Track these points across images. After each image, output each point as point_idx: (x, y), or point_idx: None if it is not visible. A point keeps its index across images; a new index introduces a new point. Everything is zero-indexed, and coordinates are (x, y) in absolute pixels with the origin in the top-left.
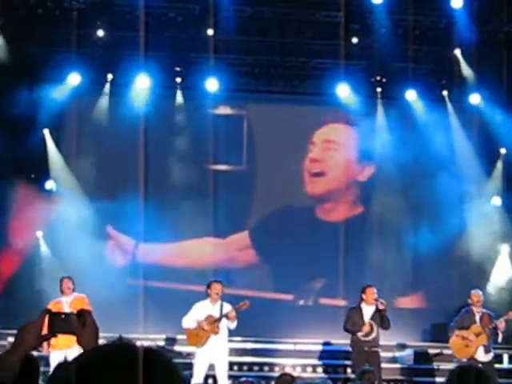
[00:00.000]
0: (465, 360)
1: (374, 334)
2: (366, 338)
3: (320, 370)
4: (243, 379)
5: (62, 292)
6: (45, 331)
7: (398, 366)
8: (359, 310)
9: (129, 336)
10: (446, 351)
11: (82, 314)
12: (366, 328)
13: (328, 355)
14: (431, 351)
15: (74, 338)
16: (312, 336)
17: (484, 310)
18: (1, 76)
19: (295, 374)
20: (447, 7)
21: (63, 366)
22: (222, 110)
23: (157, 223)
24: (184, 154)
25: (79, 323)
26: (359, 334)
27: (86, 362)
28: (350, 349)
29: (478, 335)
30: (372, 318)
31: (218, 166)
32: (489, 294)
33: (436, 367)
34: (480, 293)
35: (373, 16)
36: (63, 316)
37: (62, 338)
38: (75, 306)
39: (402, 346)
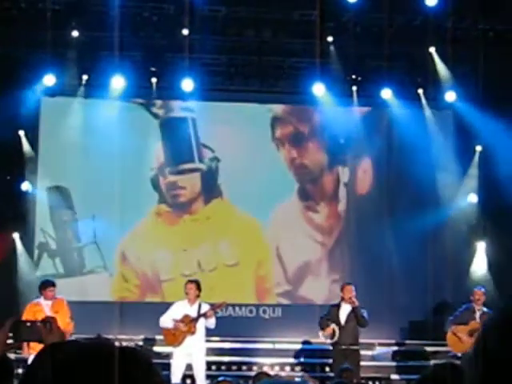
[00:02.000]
0: (459, 355)
1: (335, 338)
2: (328, 340)
3: (298, 368)
4: (221, 379)
5: (44, 296)
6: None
7: (375, 363)
8: (337, 307)
9: (113, 336)
10: (428, 348)
11: (48, 321)
12: (328, 330)
13: (306, 354)
14: (409, 349)
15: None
16: (290, 335)
17: (485, 309)
18: None
19: (273, 372)
20: (422, 5)
21: (38, 364)
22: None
23: None
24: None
25: (46, 330)
26: (320, 334)
27: (61, 359)
28: (328, 347)
29: (474, 332)
30: (349, 317)
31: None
32: (466, 291)
33: (414, 364)
34: (482, 291)
35: (348, 14)
36: (29, 324)
37: None
38: (56, 308)
39: (380, 344)
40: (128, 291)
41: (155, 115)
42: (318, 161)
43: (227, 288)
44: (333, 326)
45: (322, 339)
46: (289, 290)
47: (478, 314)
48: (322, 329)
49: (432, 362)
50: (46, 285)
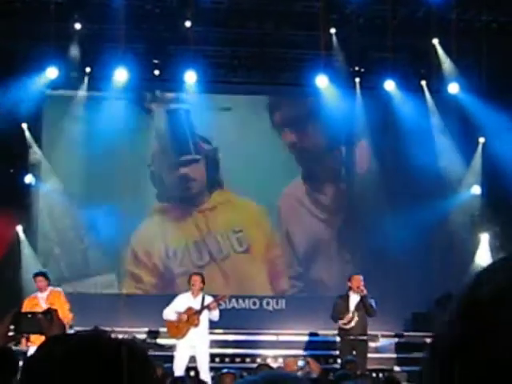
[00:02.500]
0: None
1: (352, 323)
2: (346, 326)
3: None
4: (225, 371)
5: (38, 288)
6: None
7: (379, 355)
8: (346, 297)
9: (111, 329)
10: (428, 340)
11: (49, 312)
12: (348, 317)
13: (310, 346)
14: (413, 340)
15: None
16: (294, 327)
17: None
18: None
19: (276, 365)
20: None
21: (38, 357)
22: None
23: None
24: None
25: (46, 321)
26: (340, 322)
27: (59, 352)
28: (332, 339)
29: None
30: (357, 306)
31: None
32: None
33: (418, 356)
34: None
35: (351, 6)
36: (29, 315)
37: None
38: (52, 300)
39: (383, 336)
40: (142, 290)
41: (154, 108)
42: (320, 143)
43: (240, 275)
44: (351, 311)
45: (341, 326)
46: (301, 272)
47: None
48: (340, 318)
49: None
50: (34, 276)
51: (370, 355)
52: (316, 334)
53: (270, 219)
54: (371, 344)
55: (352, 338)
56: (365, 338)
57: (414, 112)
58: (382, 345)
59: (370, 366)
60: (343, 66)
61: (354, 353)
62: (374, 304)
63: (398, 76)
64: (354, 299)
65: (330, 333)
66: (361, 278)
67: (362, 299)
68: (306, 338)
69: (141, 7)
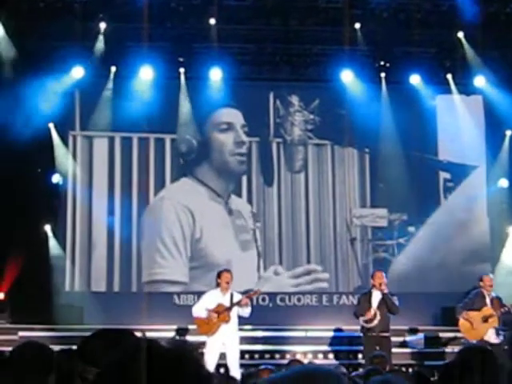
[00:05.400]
0: (474, 341)
1: (375, 322)
2: (368, 325)
3: (331, 356)
4: (262, 367)
5: None
6: None
7: (408, 350)
8: (369, 294)
9: (139, 327)
10: (457, 334)
11: None
12: (369, 314)
13: (339, 341)
14: (442, 335)
15: None
16: (323, 322)
17: (493, 294)
18: (4, 70)
19: (306, 360)
20: None
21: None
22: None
23: None
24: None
25: None
26: (361, 319)
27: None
28: (360, 334)
29: (488, 318)
30: (380, 303)
31: None
32: (498, 277)
33: (447, 351)
34: (491, 276)
35: (375, 1)
36: None
37: None
38: None
39: (413, 330)
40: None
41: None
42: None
43: None
44: (373, 308)
45: (363, 324)
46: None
47: (488, 300)
48: (361, 315)
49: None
50: None
51: (400, 350)
52: (345, 330)
53: None
54: (400, 339)
55: (375, 334)
56: (387, 334)
57: (440, 105)
58: (411, 340)
59: (399, 361)
60: (368, 61)
61: (378, 348)
62: (396, 302)
63: (424, 70)
64: (376, 296)
65: (358, 328)
66: (383, 274)
67: (384, 297)
68: (334, 334)
69: (165, 5)
